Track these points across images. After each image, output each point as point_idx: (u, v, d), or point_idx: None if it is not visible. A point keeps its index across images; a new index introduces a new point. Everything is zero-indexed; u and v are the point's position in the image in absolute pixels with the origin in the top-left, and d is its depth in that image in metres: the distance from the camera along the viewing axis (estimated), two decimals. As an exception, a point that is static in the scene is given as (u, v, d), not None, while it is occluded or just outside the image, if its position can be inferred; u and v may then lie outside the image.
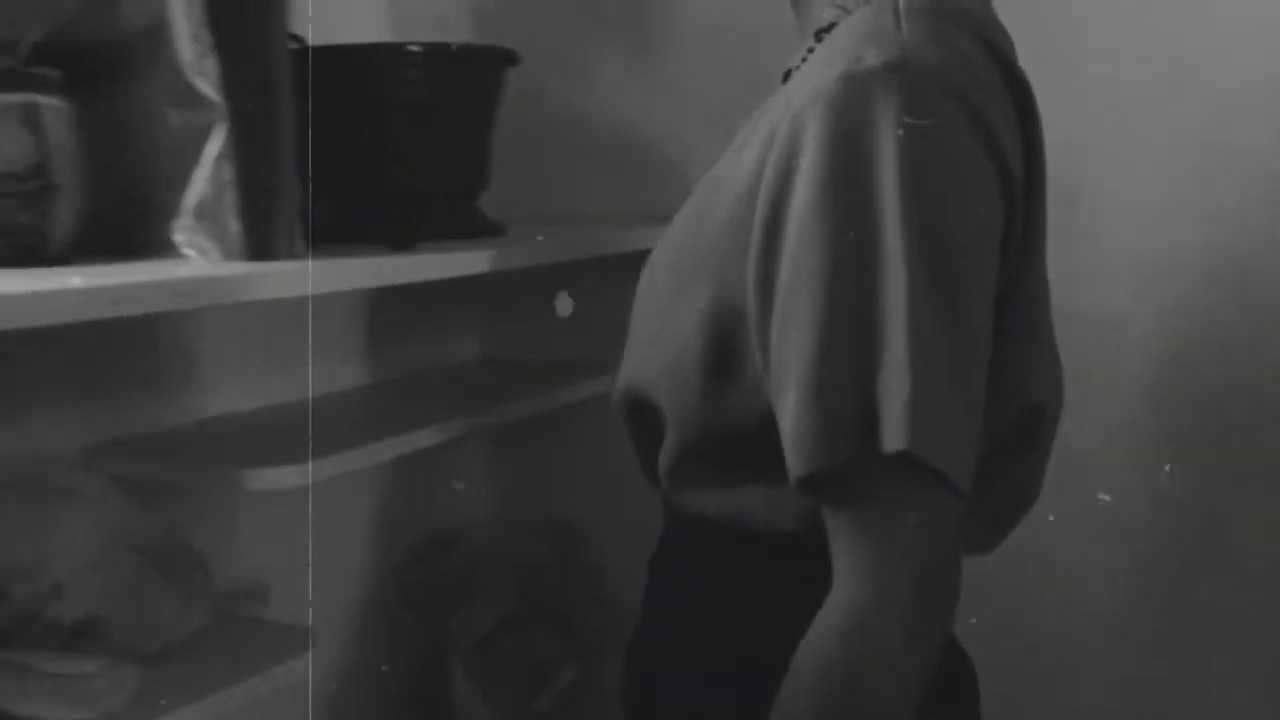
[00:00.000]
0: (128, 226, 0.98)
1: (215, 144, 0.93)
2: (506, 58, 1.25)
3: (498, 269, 1.15)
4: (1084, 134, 1.25)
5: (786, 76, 0.86)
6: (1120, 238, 1.27)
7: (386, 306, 1.17)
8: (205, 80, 0.92)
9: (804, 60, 0.81)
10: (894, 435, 0.68)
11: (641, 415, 0.85)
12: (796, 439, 0.71)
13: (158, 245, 0.97)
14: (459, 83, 1.21)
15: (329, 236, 1.07)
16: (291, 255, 0.97)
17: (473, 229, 1.23)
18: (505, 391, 1.32)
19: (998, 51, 0.76)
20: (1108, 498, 1.30)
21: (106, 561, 1.00)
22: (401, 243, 1.07)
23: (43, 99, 0.91)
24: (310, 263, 0.93)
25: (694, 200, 0.86)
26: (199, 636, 1.03)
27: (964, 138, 0.72)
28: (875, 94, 0.70)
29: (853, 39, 0.74)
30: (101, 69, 0.96)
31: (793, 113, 0.73)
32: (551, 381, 1.33)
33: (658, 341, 0.83)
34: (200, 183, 0.94)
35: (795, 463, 0.71)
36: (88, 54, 0.95)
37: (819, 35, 0.82)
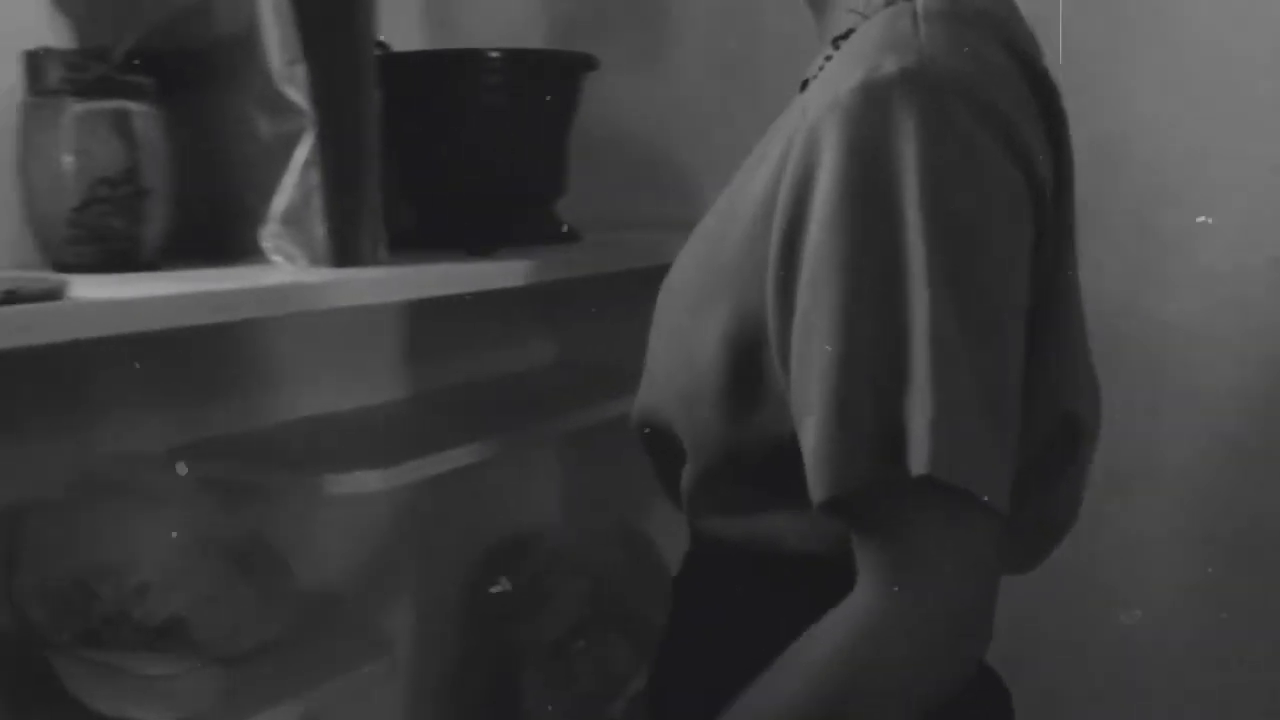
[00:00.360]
0: (216, 232, 0.99)
1: (303, 151, 0.94)
2: (585, 63, 1.25)
3: (575, 274, 1.15)
4: (1183, 141, 1.23)
5: (804, 86, 0.83)
6: (1211, 245, 1.25)
7: (465, 310, 1.17)
8: (294, 88, 0.93)
9: (821, 69, 0.80)
10: (919, 457, 0.66)
11: (660, 439, 0.83)
12: (819, 462, 0.69)
13: (245, 250, 0.98)
14: (538, 89, 1.21)
15: (408, 241, 1.08)
16: (375, 261, 0.98)
17: (550, 234, 1.23)
18: (582, 396, 1.31)
19: (1020, 53, 0.74)
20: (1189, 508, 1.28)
21: (192, 563, 1.01)
22: (482, 249, 1.07)
23: (135, 106, 0.93)
24: (394, 269, 0.94)
25: (710, 217, 0.84)
26: (280, 639, 1.04)
27: (987, 145, 0.70)
28: (893, 102, 0.68)
29: (870, 46, 0.72)
30: (193, 75, 0.97)
31: (809, 124, 0.71)
32: (629, 386, 1.32)
33: (675, 366, 0.81)
34: (288, 189, 0.95)
35: (818, 486, 0.69)
36: (180, 60, 0.96)
37: (836, 43, 0.80)
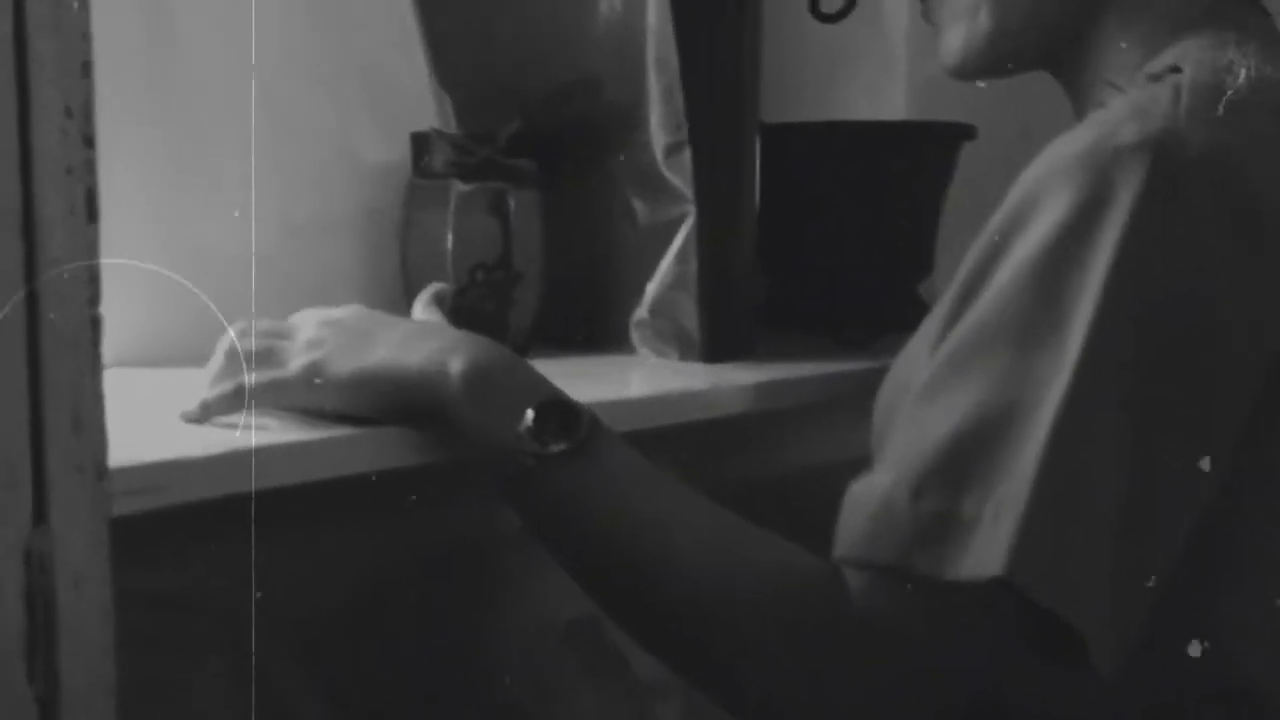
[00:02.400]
0: (583, 319, 0.96)
1: (680, 239, 0.89)
2: (964, 134, 1.15)
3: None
4: None
5: None
6: None
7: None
8: (677, 173, 0.88)
9: None
10: (994, 555, 0.56)
11: None
12: (869, 520, 0.60)
13: (612, 339, 0.94)
14: (914, 161, 1.13)
15: (765, 320, 1.02)
16: (748, 356, 0.92)
17: (917, 319, 1.14)
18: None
19: None
20: None
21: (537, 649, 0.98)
22: (858, 340, 1.00)
23: (515, 189, 0.91)
24: (780, 367, 0.87)
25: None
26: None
27: (1221, 236, 0.60)
28: (1117, 172, 0.59)
29: (1112, 113, 0.63)
30: (571, 156, 0.94)
31: (1020, 185, 0.63)
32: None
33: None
34: (661, 279, 0.90)
35: (855, 543, 0.60)
36: (559, 141, 0.93)
37: None
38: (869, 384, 0.95)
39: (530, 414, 0.63)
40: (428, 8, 0.98)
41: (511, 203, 0.91)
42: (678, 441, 0.80)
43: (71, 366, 0.40)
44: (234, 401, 0.65)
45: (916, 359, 0.70)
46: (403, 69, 0.97)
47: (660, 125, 0.88)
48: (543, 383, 0.67)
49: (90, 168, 0.40)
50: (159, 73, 0.86)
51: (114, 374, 0.86)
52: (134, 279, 0.86)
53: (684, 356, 0.90)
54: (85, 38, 0.40)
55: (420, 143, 0.91)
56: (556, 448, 0.63)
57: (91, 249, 0.41)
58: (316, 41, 0.93)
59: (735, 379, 0.84)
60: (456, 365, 0.65)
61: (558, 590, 0.86)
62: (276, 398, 0.66)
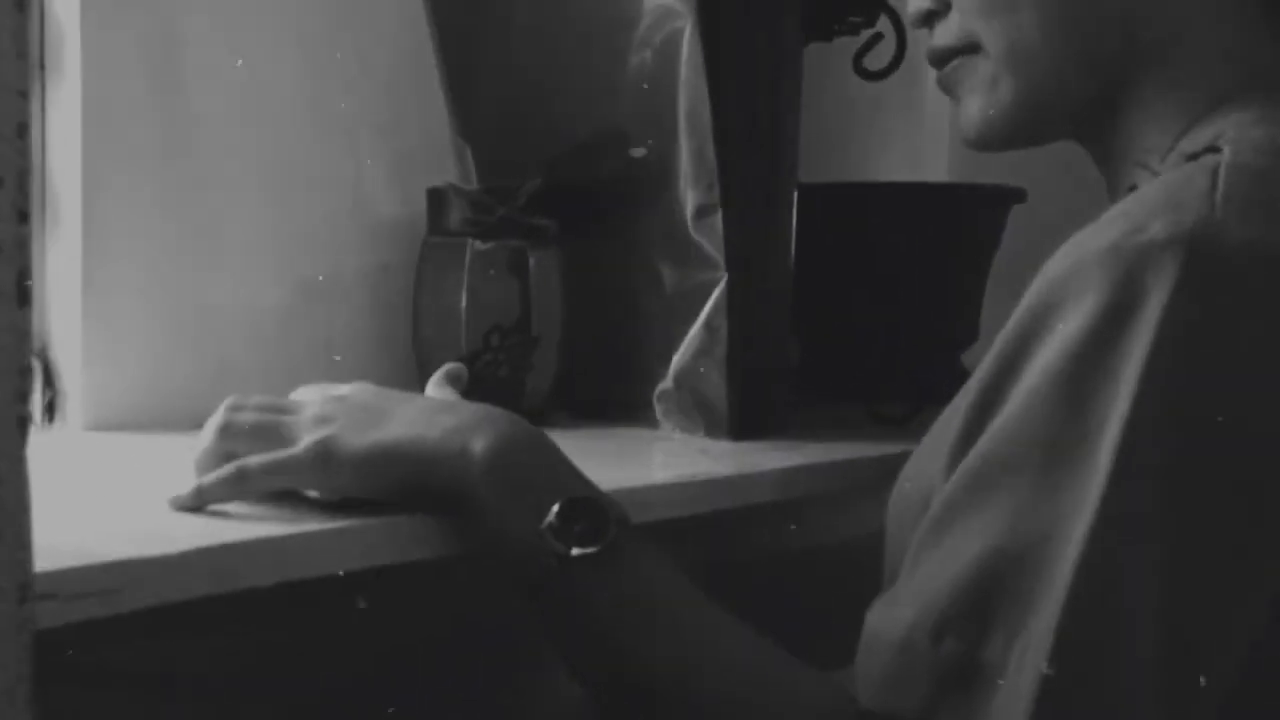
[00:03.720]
0: (603, 386, 0.90)
1: (709, 307, 0.83)
2: (1013, 197, 1.10)
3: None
4: None
5: None
6: None
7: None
8: (708, 236, 0.83)
9: None
10: (1015, 711, 0.51)
11: None
12: (885, 670, 0.55)
13: (631, 409, 0.88)
14: (961, 225, 1.07)
15: (797, 389, 0.96)
16: (779, 433, 0.86)
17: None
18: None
19: None
20: None
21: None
22: (896, 417, 0.93)
23: (533, 248, 0.85)
24: (823, 448, 0.81)
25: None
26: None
27: (1261, 341, 0.54)
28: (1147, 271, 0.53)
29: (1143, 203, 0.57)
30: (596, 215, 0.89)
31: (1041, 283, 0.57)
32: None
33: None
34: (688, 348, 0.84)
35: (872, 688, 0.56)
36: (583, 199, 0.88)
37: None
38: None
39: (555, 509, 0.58)
40: (450, 56, 0.94)
41: (531, 263, 0.86)
42: (699, 520, 0.74)
43: (-7, 473, 0.35)
44: (233, 486, 0.59)
45: (930, 463, 0.64)
46: (420, 120, 0.92)
47: (690, 184, 0.83)
48: (570, 473, 0.61)
49: (23, 245, 0.35)
50: (161, 119, 0.81)
51: (99, 439, 0.84)
52: (123, 337, 0.82)
53: (710, 433, 0.84)
54: (23, 95, 0.35)
55: (436, 198, 0.86)
56: (580, 551, 0.57)
57: (22, 338, 0.35)
58: (330, 89, 0.88)
59: (763, 463, 0.78)
60: (478, 445, 0.60)
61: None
62: (281, 479, 0.60)
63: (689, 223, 0.83)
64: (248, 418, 0.62)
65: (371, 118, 0.90)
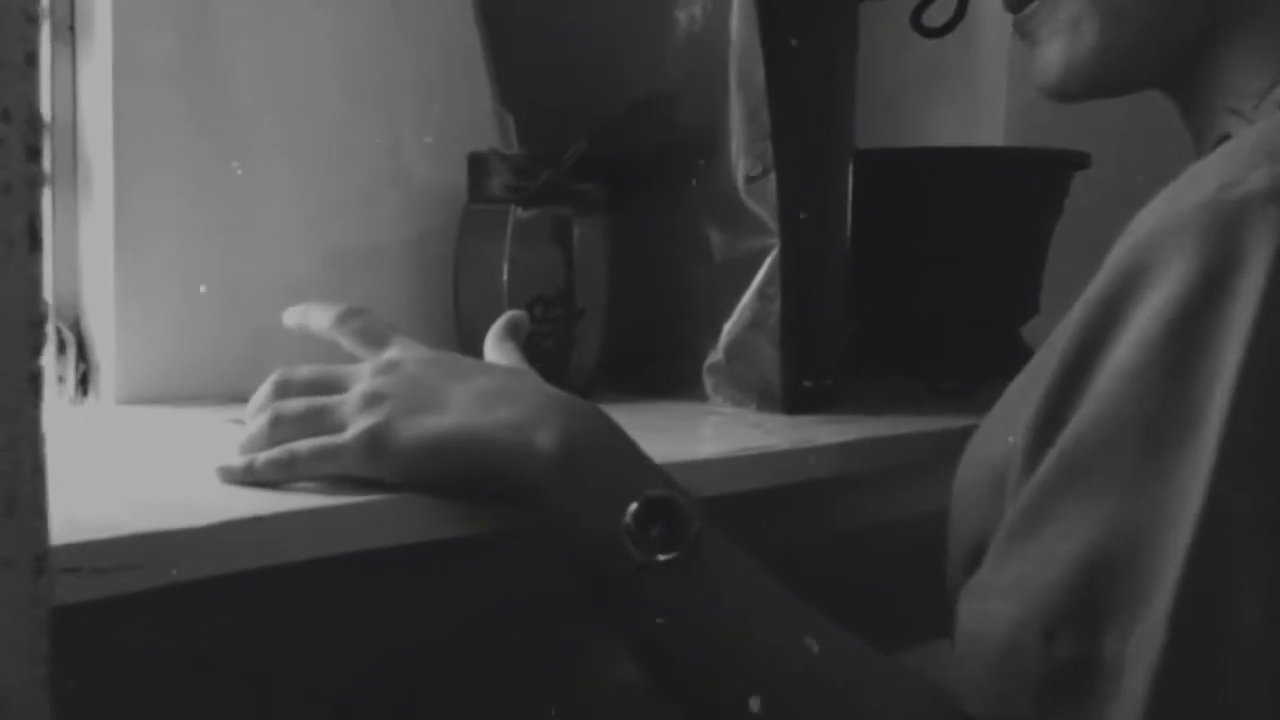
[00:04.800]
0: (651, 359, 0.87)
1: (761, 275, 0.80)
2: (1076, 162, 1.05)
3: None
4: None
5: None
6: None
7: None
8: (760, 201, 0.79)
9: None
10: (1133, 710, 0.47)
11: None
12: (1000, 664, 0.51)
13: (680, 384, 0.84)
14: (1020, 192, 1.02)
15: (853, 363, 0.92)
16: (833, 407, 0.82)
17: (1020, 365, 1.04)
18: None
19: None
20: None
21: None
22: (955, 390, 0.89)
23: (580, 217, 0.82)
24: (885, 421, 0.77)
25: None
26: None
27: None
28: (1246, 228, 0.49)
29: (1238, 154, 0.52)
30: (642, 181, 0.85)
31: (1128, 244, 0.52)
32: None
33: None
34: (739, 319, 0.81)
35: (979, 694, 0.52)
36: (629, 164, 0.85)
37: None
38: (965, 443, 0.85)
39: (631, 510, 0.54)
40: (492, 19, 0.91)
41: (576, 231, 0.83)
42: (753, 495, 0.71)
43: (5, 434, 0.32)
44: (283, 470, 0.57)
45: (1000, 439, 0.59)
46: (460, 84, 0.89)
47: (742, 149, 0.79)
48: (645, 467, 0.57)
49: (33, 185, 0.32)
50: (195, 83, 0.79)
51: (133, 412, 0.82)
52: (156, 309, 0.80)
53: (762, 407, 0.81)
54: (31, 20, 0.32)
55: (477, 164, 0.83)
56: (661, 557, 0.54)
57: (33, 287, 0.33)
58: (367, 54, 0.85)
59: (817, 436, 0.74)
60: (545, 440, 0.55)
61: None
62: (330, 466, 0.57)
63: (740, 188, 0.80)
64: (296, 407, 0.59)
65: (410, 81, 0.87)
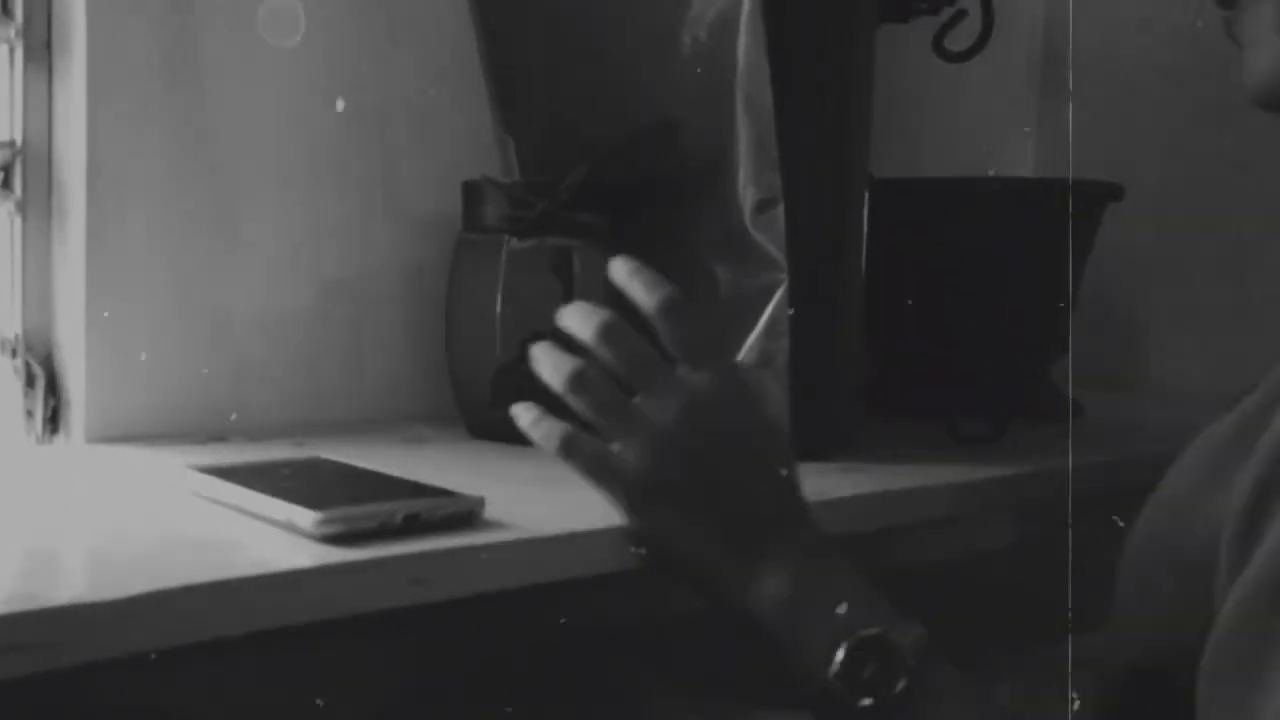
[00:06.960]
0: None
1: (769, 312, 0.75)
2: (1109, 193, 1.00)
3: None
4: None
5: None
6: None
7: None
8: (768, 234, 0.75)
9: None
10: None
11: None
12: None
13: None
14: (1051, 225, 0.97)
15: (870, 404, 0.88)
16: (848, 452, 0.78)
17: (1049, 408, 0.99)
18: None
19: None
20: None
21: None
22: (980, 437, 0.84)
23: (577, 247, 0.78)
24: (899, 471, 0.72)
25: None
26: None
27: None
28: None
29: None
30: (644, 212, 0.81)
31: None
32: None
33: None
34: (746, 358, 0.76)
35: None
36: (631, 194, 0.80)
37: None
38: (992, 498, 0.80)
39: (841, 653, 0.53)
40: (492, 41, 0.87)
41: (575, 263, 0.79)
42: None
43: None
44: (556, 449, 0.57)
45: (1209, 494, 0.53)
46: (457, 109, 0.85)
47: (749, 177, 0.75)
48: (862, 600, 0.55)
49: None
50: (176, 105, 0.75)
51: (98, 452, 0.77)
52: (131, 344, 0.76)
53: (770, 450, 0.76)
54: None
55: (471, 192, 0.79)
56: (867, 702, 0.52)
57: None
58: (359, 75, 0.82)
59: (834, 488, 0.69)
60: (767, 577, 0.56)
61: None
62: (592, 481, 0.57)
63: (747, 219, 0.75)
64: (602, 389, 0.58)
65: (404, 106, 0.84)
